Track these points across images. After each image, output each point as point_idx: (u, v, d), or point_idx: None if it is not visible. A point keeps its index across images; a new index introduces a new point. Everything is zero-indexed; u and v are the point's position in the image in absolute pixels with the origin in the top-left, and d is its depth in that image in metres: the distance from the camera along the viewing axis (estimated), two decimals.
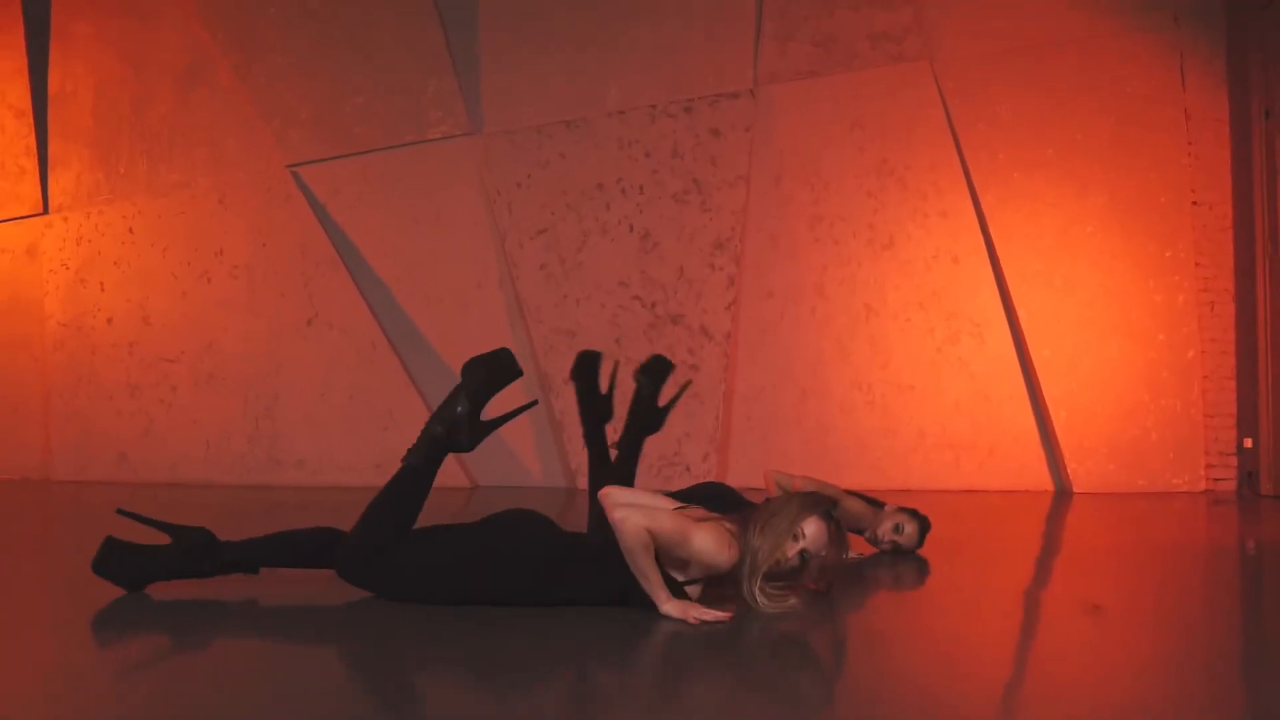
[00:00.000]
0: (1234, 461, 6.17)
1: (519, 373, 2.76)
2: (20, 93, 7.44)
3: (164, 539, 2.74)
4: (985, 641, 2.56)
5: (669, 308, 6.52)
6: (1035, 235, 6.32)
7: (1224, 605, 3.25)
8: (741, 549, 2.50)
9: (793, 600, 2.55)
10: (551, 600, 2.61)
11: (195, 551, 2.69)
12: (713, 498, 3.28)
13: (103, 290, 7.34)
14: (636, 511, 2.44)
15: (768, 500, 2.71)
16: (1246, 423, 6.14)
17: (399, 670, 2.15)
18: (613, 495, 2.53)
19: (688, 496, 3.09)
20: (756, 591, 2.49)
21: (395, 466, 2.75)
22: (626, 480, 3.07)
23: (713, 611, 2.43)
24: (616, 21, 6.67)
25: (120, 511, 2.76)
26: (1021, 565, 3.93)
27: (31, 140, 7.43)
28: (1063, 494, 6.12)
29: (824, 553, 2.52)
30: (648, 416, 3.18)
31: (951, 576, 3.47)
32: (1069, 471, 6.17)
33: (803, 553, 2.48)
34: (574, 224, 6.70)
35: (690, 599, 2.52)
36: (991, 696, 2.06)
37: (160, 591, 2.77)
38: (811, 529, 2.49)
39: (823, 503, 2.58)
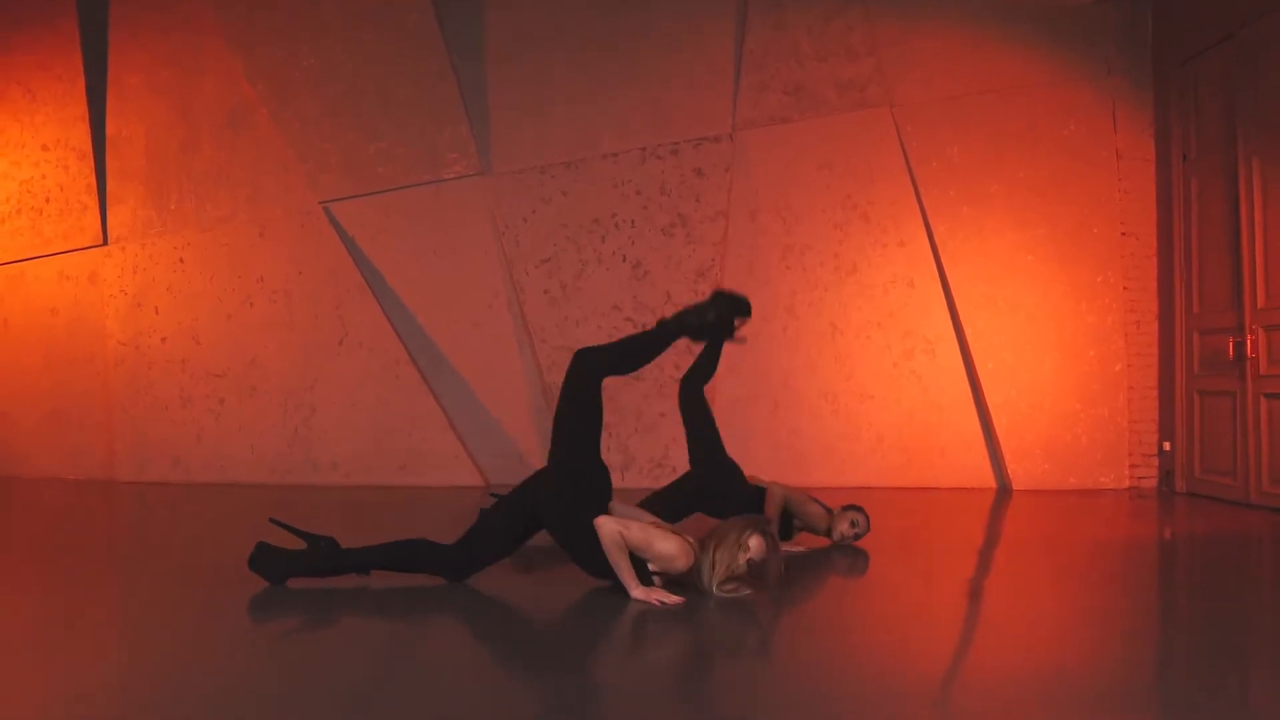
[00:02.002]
0: (1155, 462, 6.65)
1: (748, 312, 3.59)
2: (81, 137, 7.84)
3: (300, 543, 3.44)
4: (931, 622, 3.01)
5: None
6: (982, 262, 6.76)
7: (1143, 587, 3.60)
8: (700, 558, 3.29)
9: (745, 591, 3.32)
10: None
11: (323, 555, 3.38)
12: (720, 485, 4.23)
13: (157, 313, 7.71)
14: (613, 521, 3.24)
15: (721, 524, 3.46)
16: (1166, 428, 6.61)
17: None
18: (601, 519, 3.27)
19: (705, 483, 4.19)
20: (715, 589, 3.28)
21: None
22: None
23: (671, 596, 3.21)
24: (611, 74, 7.05)
25: (272, 520, 3.44)
26: (965, 555, 4.39)
27: (92, 179, 7.82)
28: (1004, 491, 6.61)
29: (765, 558, 3.28)
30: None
31: (905, 565, 3.99)
32: (1009, 471, 6.67)
33: (749, 560, 3.25)
34: (573, 254, 7.11)
35: (654, 584, 3.32)
36: (935, 670, 2.38)
37: (297, 584, 3.44)
38: (754, 543, 3.27)
39: (760, 523, 3.37)
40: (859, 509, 4.43)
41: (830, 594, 3.53)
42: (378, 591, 3.36)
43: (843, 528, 4.39)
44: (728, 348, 4.26)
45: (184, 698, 2.20)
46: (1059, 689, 2.13)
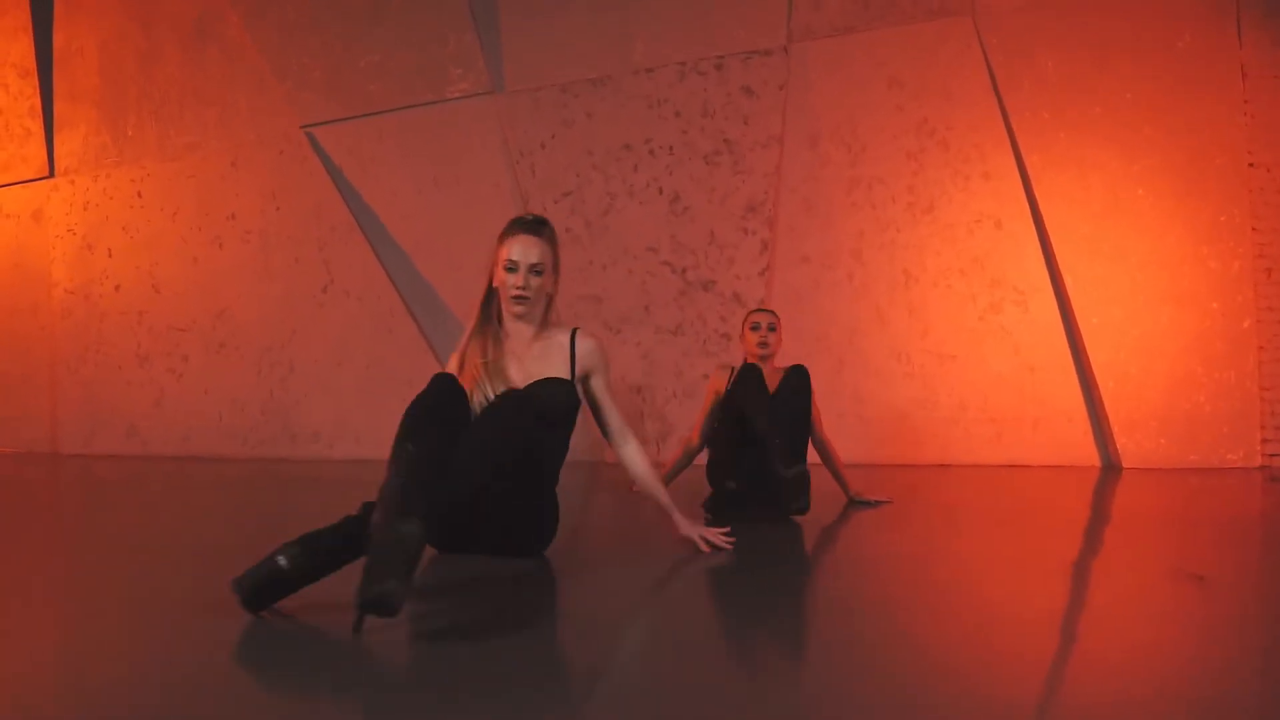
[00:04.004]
0: None
1: None
2: (24, 51, 7.38)
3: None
4: (1027, 617, 2.43)
5: (700, 273, 6.36)
6: (1082, 199, 6.13)
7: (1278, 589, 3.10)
8: None
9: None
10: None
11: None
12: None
13: (110, 256, 7.27)
14: None
15: None
16: None
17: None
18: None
19: None
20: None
21: None
22: None
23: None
24: None
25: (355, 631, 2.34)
26: (1069, 539, 3.76)
27: (36, 101, 7.37)
28: (1110, 469, 5.91)
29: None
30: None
31: (999, 551, 3.31)
32: (1118, 446, 5.98)
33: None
34: (600, 186, 6.56)
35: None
36: (1036, 669, 1.93)
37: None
38: None
39: None
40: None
41: (909, 585, 2.81)
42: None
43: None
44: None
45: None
46: (1179, 695, 1.75)
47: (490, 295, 2.67)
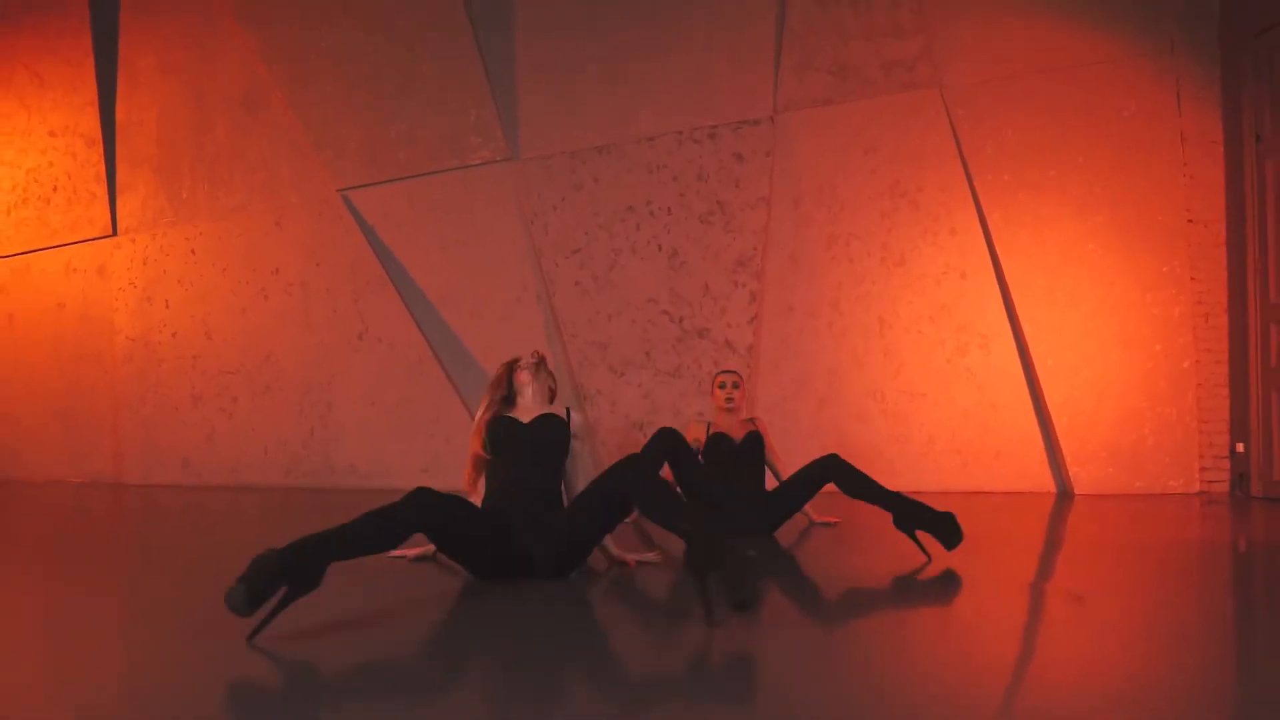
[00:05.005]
0: (1226, 465, 6.29)
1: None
2: (91, 123, 7.63)
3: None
4: (993, 630, 2.72)
5: (695, 322, 6.71)
6: (1039, 252, 6.45)
7: (1216, 599, 3.34)
8: None
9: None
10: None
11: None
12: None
13: (167, 307, 7.50)
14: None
15: None
16: (1238, 428, 6.25)
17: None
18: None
19: None
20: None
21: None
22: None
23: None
24: (646, 53, 6.78)
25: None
26: (1026, 561, 4.03)
27: (101, 168, 7.61)
28: (1064, 495, 6.26)
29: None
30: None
31: (963, 571, 3.61)
32: (1070, 474, 6.34)
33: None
34: (606, 243, 6.84)
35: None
36: (995, 680, 2.18)
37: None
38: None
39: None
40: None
41: (883, 599, 3.22)
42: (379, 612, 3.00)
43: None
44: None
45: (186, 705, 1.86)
46: (1127, 706, 1.96)
47: (499, 378, 3.37)
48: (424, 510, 2.87)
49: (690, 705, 2.00)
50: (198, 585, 3.43)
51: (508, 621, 2.74)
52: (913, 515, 3.74)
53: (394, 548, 2.81)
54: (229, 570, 2.83)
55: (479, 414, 3.38)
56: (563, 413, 3.42)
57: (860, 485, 3.99)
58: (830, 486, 4.22)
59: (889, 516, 4.01)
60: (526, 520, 3.17)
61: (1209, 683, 2.19)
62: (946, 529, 3.70)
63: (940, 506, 4.57)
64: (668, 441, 4.10)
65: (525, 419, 3.36)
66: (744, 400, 4.77)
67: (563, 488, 3.44)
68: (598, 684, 2.16)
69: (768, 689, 2.15)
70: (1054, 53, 6.52)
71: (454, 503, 2.96)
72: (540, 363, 3.48)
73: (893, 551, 3.98)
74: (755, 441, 4.61)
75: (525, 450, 3.28)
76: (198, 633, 2.69)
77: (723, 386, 4.70)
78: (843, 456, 4.30)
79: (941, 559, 3.75)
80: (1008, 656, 2.41)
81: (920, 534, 3.99)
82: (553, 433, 3.33)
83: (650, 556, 3.55)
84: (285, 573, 2.50)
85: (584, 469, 3.44)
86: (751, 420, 4.78)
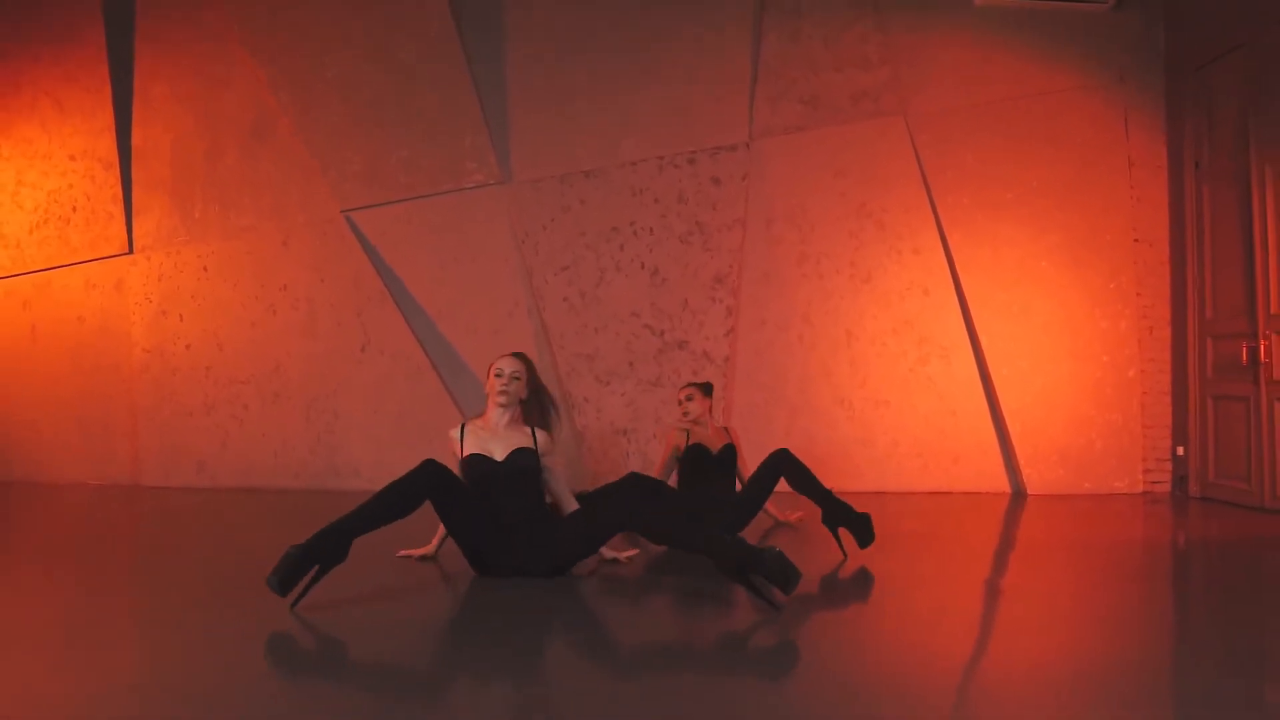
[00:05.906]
0: (1168, 467, 6.70)
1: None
2: (108, 148, 7.95)
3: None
4: (946, 624, 3.01)
5: (675, 335, 7.06)
6: (996, 269, 6.83)
7: (1158, 591, 3.61)
8: None
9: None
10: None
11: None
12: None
13: (181, 320, 7.77)
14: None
15: None
16: (1179, 433, 6.66)
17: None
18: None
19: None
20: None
21: None
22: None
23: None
24: (631, 85, 7.12)
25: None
26: (981, 558, 4.41)
27: (118, 189, 7.92)
28: (1018, 496, 6.65)
29: None
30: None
31: (920, 568, 4.02)
32: (1024, 476, 6.73)
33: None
34: (592, 262, 7.17)
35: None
36: (950, 671, 2.38)
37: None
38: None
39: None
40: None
41: (844, 595, 3.57)
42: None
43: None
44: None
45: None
46: (1076, 690, 2.17)
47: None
48: (435, 476, 3.28)
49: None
50: (221, 578, 3.84)
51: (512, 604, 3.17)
52: (838, 514, 4.18)
53: (410, 513, 3.17)
54: (252, 564, 3.21)
55: (457, 444, 3.77)
56: (530, 439, 3.76)
57: (803, 480, 4.42)
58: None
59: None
60: (518, 540, 3.59)
61: (1150, 665, 2.35)
62: (862, 529, 4.11)
63: (902, 507, 4.96)
64: (645, 484, 4.41)
65: (498, 447, 3.71)
66: (707, 410, 5.15)
67: (548, 494, 3.88)
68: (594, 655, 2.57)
69: (756, 675, 2.49)
70: (1011, 83, 6.88)
71: (460, 483, 3.42)
72: (512, 381, 3.82)
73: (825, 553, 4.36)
74: (730, 452, 5.02)
75: (502, 485, 3.66)
76: (224, 620, 3.10)
77: (680, 403, 5.13)
78: (800, 457, 4.69)
79: (857, 557, 4.14)
80: (956, 654, 2.60)
81: (841, 531, 4.30)
82: (525, 461, 3.70)
83: (632, 553, 4.00)
84: (312, 559, 2.99)
85: (562, 477, 3.88)
86: (725, 430, 5.20)
